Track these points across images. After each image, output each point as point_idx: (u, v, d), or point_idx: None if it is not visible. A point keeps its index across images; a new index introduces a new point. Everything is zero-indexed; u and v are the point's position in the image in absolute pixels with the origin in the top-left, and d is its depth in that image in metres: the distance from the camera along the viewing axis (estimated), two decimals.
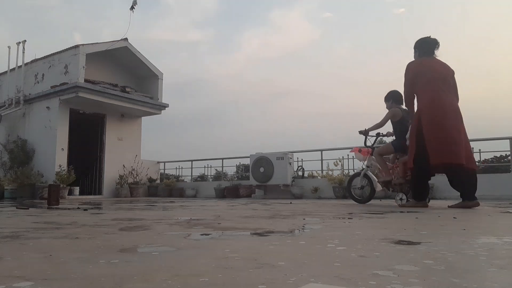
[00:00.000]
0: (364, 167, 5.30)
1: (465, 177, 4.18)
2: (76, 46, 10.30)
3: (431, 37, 4.42)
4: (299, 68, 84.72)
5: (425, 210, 3.84)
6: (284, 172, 9.67)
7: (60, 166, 9.82)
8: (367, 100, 74.21)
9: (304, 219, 2.88)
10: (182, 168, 13.65)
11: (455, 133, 4.04)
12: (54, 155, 10.23)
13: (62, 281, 0.94)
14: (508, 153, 8.52)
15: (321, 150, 10.41)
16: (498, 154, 11.39)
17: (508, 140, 8.10)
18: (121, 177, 11.46)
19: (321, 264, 1.13)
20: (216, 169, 13.56)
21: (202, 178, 15.34)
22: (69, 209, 4.48)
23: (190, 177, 13.53)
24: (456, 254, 1.28)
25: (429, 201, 4.58)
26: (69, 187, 9.94)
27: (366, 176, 5.21)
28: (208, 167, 13.54)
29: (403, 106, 4.80)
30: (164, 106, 12.51)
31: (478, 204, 4.09)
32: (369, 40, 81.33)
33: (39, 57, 11.38)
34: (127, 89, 11.47)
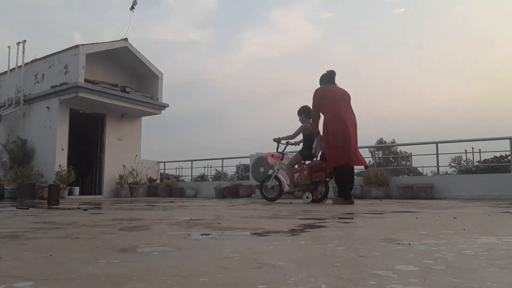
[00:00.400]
0: (275, 170, 6.05)
1: (352, 177, 5.32)
2: (76, 46, 10.30)
3: (330, 70, 5.61)
4: (299, 68, 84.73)
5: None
6: (284, 172, 9.66)
7: (60, 166, 9.82)
8: (367, 100, 74.19)
9: (304, 219, 2.88)
10: (182, 168, 13.67)
11: (353, 140, 5.19)
12: (54, 155, 10.22)
13: (62, 281, 0.94)
14: (508, 153, 8.52)
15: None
16: (498, 154, 11.41)
17: (508, 140, 8.10)
18: (121, 177, 11.46)
19: (321, 264, 1.13)
20: (216, 169, 13.58)
21: (202, 178, 15.35)
22: (69, 209, 4.48)
23: (190, 177, 13.55)
24: (456, 254, 1.28)
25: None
26: (69, 187, 9.94)
27: (276, 178, 5.99)
28: (208, 167, 13.55)
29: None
30: (164, 106, 12.51)
31: (354, 202, 5.16)
32: (369, 40, 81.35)
33: (39, 57, 11.38)
34: (127, 89, 11.47)
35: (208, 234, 1.93)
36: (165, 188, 11.92)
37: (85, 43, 10.48)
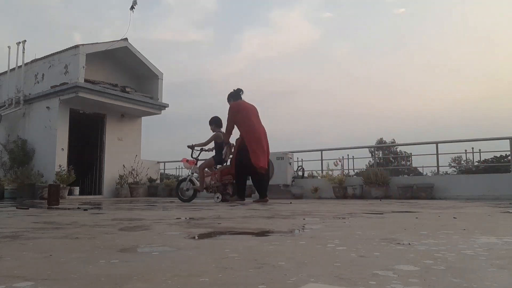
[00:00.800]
0: (190, 173, 6.66)
1: (266, 179, 6.28)
2: (76, 46, 10.30)
3: (238, 88, 6.47)
4: (299, 68, 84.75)
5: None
6: (284, 172, 9.67)
7: (60, 166, 9.81)
8: (367, 100, 74.24)
9: (304, 219, 2.88)
10: (182, 168, 13.65)
11: (266, 148, 6.13)
12: (54, 155, 10.22)
13: (62, 281, 0.94)
14: (508, 153, 8.52)
15: (321, 150, 10.42)
16: (498, 154, 11.41)
17: (508, 140, 8.10)
18: (121, 177, 11.45)
19: (321, 264, 1.13)
20: None
21: None
22: (69, 209, 4.48)
23: None
24: (456, 254, 1.28)
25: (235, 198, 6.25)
26: (69, 187, 9.94)
27: (191, 181, 6.57)
28: None
29: (222, 129, 6.47)
30: (164, 106, 12.51)
31: (268, 200, 6.22)
32: (369, 40, 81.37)
33: (39, 57, 11.38)
34: (127, 89, 11.47)
35: (208, 234, 1.93)
36: (165, 188, 11.92)
37: (85, 43, 10.48)
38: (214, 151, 6.52)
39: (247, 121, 5.98)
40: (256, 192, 10.13)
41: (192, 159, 6.62)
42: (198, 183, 6.49)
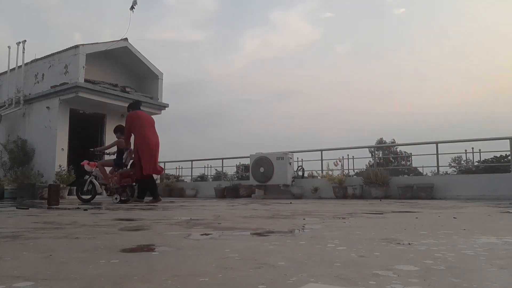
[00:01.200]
0: (91, 175, 6.99)
1: (153, 182, 6.81)
2: (76, 46, 10.30)
3: (137, 100, 7.78)
4: (299, 68, 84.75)
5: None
6: (284, 172, 9.67)
7: (60, 166, 9.80)
8: (367, 100, 74.25)
9: (304, 219, 2.88)
10: (182, 168, 13.65)
11: (157, 155, 6.76)
12: (54, 155, 10.22)
13: (62, 281, 0.94)
14: (508, 153, 8.52)
15: (321, 150, 10.41)
16: (498, 154, 11.40)
17: (508, 140, 8.10)
18: None
19: (321, 264, 1.13)
20: (216, 169, 13.56)
21: (202, 178, 15.32)
22: (69, 209, 4.48)
23: (190, 177, 13.53)
24: (456, 254, 1.28)
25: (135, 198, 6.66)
26: (69, 187, 9.93)
27: (91, 182, 6.95)
28: (208, 167, 13.53)
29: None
30: (164, 106, 12.50)
31: (161, 199, 6.76)
32: (369, 40, 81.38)
33: (39, 57, 11.37)
34: (127, 89, 11.46)
35: (208, 234, 1.93)
36: (165, 188, 11.91)
37: (85, 43, 10.48)
38: (115, 155, 7.12)
39: (141, 130, 6.64)
40: (255, 192, 10.25)
41: (93, 162, 7.10)
42: (98, 184, 6.98)
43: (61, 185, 8.94)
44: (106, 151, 7.51)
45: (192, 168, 13.31)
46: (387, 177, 8.70)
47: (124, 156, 6.90)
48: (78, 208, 4.64)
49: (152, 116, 12.61)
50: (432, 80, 71.30)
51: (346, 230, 2.10)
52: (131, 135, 6.85)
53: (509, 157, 8.67)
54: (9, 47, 11.68)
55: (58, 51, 10.82)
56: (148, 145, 6.54)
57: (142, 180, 6.63)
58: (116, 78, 11.96)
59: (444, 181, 8.40)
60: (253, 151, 10.44)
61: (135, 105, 7.13)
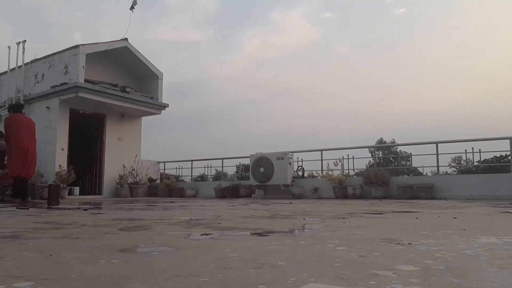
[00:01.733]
0: None
1: (26, 184, 6.95)
2: (76, 46, 10.30)
3: (18, 103, 7.92)
4: (299, 68, 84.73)
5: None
6: (284, 172, 9.67)
7: (60, 166, 9.80)
8: (367, 100, 74.23)
9: (304, 219, 2.88)
10: (182, 168, 13.65)
11: (34, 159, 7.10)
12: (54, 155, 10.21)
13: (62, 281, 0.94)
14: (508, 153, 8.52)
15: (321, 150, 10.41)
16: (498, 154, 11.41)
17: (508, 140, 8.10)
18: (121, 177, 11.45)
19: (321, 264, 1.13)
20: (216, 169, 13.56)
21: (202, 178, 15.33)
22: (69, 209, 4.48)
23: (190, 177, 13.53)
24: (456, 254, 1.28)
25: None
26: (69, 187, 9.93)
27: None
28: (208, 167, 13.52)
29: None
30: (164, 106, 12.50)
31: (29, 200, 6.74)
32: (369, 40, 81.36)
33: (39, 57, 11.36)
34: (127, 89, 11.46)
35: (208, 234, 1.93)
36: (165, 188, 11.91)
37: (85, 43, 10.47)
38: None
39: (17, 134, 6.83)
40: (255, 192, 10.26)
41: None
42: None
43: (61, 185, 8.94)
44: None
45: (192, 168, 13.30)
46: (387, 177, 8.69)
47: (5, 159, 7.22)
48: (78, 208, 4.64)
49: (152, 116, 12.76)
50: (432, 80, 71.29)
51: (346, 230, 2.10)
52: (10, 137, 7.02)
53: (509, 157, 8.67)
54: (9, 47, 11.68)
55: (58, 51, 10.82)
56: (19, 148, 6.76)
57: (16, 181, 6.90)
58: (116, 78, 11.96)
59: (444, 181, 8.40)
60: (253, 151, 10.45)
61: (15, 108, 7.31)
